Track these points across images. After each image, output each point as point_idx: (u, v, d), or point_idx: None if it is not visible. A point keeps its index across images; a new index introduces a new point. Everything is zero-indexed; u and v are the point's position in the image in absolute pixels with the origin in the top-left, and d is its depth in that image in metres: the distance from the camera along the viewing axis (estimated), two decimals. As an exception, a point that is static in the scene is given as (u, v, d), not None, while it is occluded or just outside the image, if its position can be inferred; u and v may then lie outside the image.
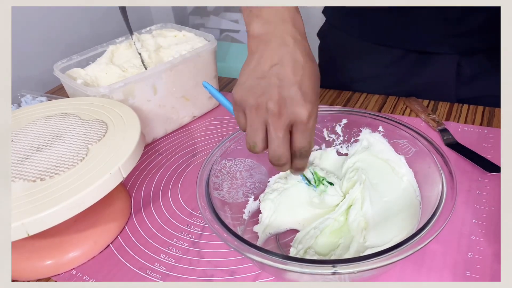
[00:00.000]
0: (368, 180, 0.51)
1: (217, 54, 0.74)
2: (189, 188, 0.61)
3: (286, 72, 0.39)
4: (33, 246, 0.50)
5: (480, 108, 0.69)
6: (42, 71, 1.10)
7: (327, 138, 0.57)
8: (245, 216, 0.51)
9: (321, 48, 0.87)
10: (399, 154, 0.52)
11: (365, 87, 0.78)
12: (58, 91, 0.93)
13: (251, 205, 0.52)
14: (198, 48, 0.70)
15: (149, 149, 0.70)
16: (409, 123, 0.51)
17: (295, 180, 0.53)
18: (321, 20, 0.84)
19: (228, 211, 0.48)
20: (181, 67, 0.68)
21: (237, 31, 1.86)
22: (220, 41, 1.84)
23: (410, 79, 0.74)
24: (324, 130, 0.57)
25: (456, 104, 0.71)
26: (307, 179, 0.51)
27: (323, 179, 0.51)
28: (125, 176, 0.48)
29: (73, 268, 0.50)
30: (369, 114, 0.54)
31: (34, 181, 0.46)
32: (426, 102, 0.72)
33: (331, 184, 0.51)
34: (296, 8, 0.44)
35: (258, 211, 0.52)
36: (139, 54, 0.74)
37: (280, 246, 0.49)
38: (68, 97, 0.70)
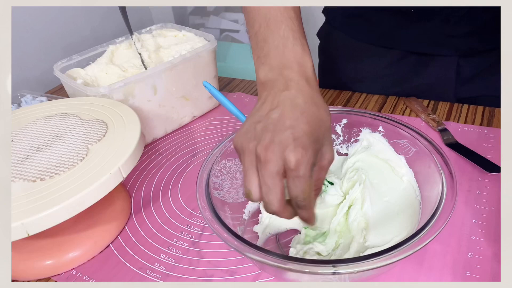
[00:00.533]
0: (368, 180, 0.51)
1: (217, 54, 0.74)
2: (189, 188, 0.60)
3: (282, 116, 0.38)
4: (33, 246, 0.50)
5: (480, 108, 0.69)
6: (42, 71, 1.10)
7: (327, 138, 0.57)
8: (245, 216, 0.51)
9: (321, 48, 0.86)
10: (399, 154, 0.52)
11: (364, 87, 0.78)
12: (58, 91, 0.93)
13: (251, 205, 0.52)
14: (198, 48, 0.70)
15: (149, 149, 0.70)
16: (409, 123, 0.51)
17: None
18: (321, 20, 0.84)
19: (228, 211, 0.48)
20: (181, 67, 0.68)
21: (237, 31, 1.86)
22: (220, 41, 1.84)
23: (409, 80, 0.74)
24: (324, 130, 0.57)
25: (456, 104, 0.71)
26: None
27: (323, 179, 0.51)
28: (125, 176, 0.48)
29: (73, 268, 0.50)
30: (369, 114, 0.54)
31: (34, 181, 0.46)
32: (426, 102, 0.72)
33: (331, 184, 0.51)
34: (305, 47, 0.44)
35: (258, 211, 0.52)
36: (139, 54, 0.74)
37: (280, 246, 0.49)
38: (68, 97, 0.70)
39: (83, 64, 0.73)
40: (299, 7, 0.48)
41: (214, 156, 0.50)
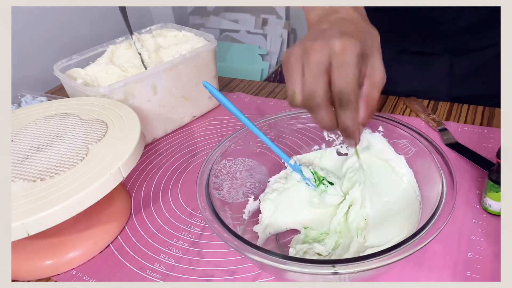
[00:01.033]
0: (368, 180, 0.51)
1: (217, 54, 0.74)
2: (189, 188, 0.60)
3: (331, 27, 0.38)
4: (33, 246, 0.50)
5: (480, 108, 0.69)
6: (42, 71, 1.10)
7: (327, 138, 0.57)
8: (245, 216, 0.51)
9: None
10: (399, 154, 0.52)
11: None
12: (58, 91, 0.93)
13: (251, 205, 0.52)
14: (198, 48, 0.70)
15: (149, 149, 0.70)
16: (409, 123, 0.51)
17: (295, 180, 0.53)
18: None
19: (228, 211, 0.48)
20: (181, 67, 0.68)
21: (237, 31, 1.86)
22: (220, 41, 1.84)
23: (403, 80, 0.74)
24: (324, 130, 0.57)
25: (456, 104, 0.71)
26: (307, 178, 0.51)
27: (323, 179, 0.51)
28: (125, 176, 0.48)
29: (73, 268, 0.50)
30: (369, 114, 0.54)
31: (34, 181, 0.46)
32: (426, 102, 0.72)
33: (331, 184, 0.51)
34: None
35: (258, 211, 0.52)
36: (139, 54, 0.74)
37: (280, 246, 0.49)
38: (68, 97, 0.70)
39: (83, 64, 0.73)
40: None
41: (214, 156, 0.50)
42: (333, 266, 0.35)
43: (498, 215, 0.49)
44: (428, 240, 0.36)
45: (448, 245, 0.46)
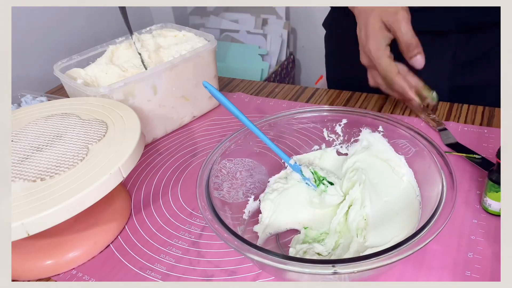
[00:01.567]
0: (368, 180, 0.51)
1: (217, 54, 0.74)
2: (189, 188, 0.61)
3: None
4: (33, 246, 0.50)
5: (480, 108, 0.69)
6: (42, 71, 1.10)
7: (327, 138, 0.57)
8: (245, 216, 0.51)
9: (326, 38, 0.88)
10: (399, 154, 0.52)
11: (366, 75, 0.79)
12: (58, 91, 0.93)
13: (251, 205, 0.52)
14: (198, 48, 0.70)
15: (149, 149, 0.70)
16: (409, 123, 0.51)
17: (295, 180, 0.53)
18: (326, 10, 0.86)
19: (228, 211, 0.48)
20: (181, 67, 0.68)
21: (237, 31, 1.87)
22: (220, 41, 1.84)
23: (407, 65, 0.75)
24: (324, 130, 0.57)
25: (456, 104, 0.71)
26: (307, 178, 0.51)
27: (323, 179, 0.51)
28: (125, 176, 0.48)
29: (73, 268, 0.50)
30: (369, 114, 0.54)
31: (34, 181, 0.46)
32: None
33: (331, 184, 0.51)
34: None
35: (258, 211, 0.52)
36: (139, 54, 0.74)
37: (280, 246, 0.49)
38: (68, 97, 0.70)
39: (83, 64, 0.73)
40: None
41: (214, 156, 0.50)
42: (333, 266, 0.35)
43: (498, 215, 0.49)
44: (428, 240, 0.36)
45: (448, 245, 0.46)
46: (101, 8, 1.32)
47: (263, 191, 0.54)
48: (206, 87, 0.49)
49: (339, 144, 0.57)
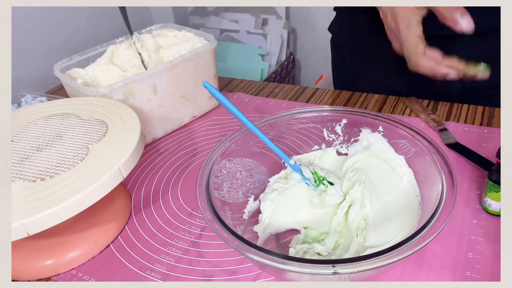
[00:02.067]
0: (368, 180, 0.51)
1: (217, 54, 0.74)
2: (189, 188, 0.61)
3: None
4: (33, 246, 0.50)
5: (480, 108, 0.69)
6: (42, 71, 1.10)
7: (327, 138, 0.57)
8: (245, 216, 0.51)
9: (333, 42, 0.89)
10: (399, 154, 0.52)
11: (372, 78, 0.79)
12: (58, 91, 0.93)
13: (251, 205, 0.52)
14: (198, 48, 0.70)
15: (149, 149, 0.70)
16: (409, 123, 0.51)
17: (295, 180, 0.53)
18: (326, 10, 0.87)
19: (228, 211, 0.48)
20: (181, 67, 0.68)
21: (237, 31, 1.87)
22: (220, 41, 1.84)
23: (416, 75, 0.75)
24: (324, 130, 0.57)
25: (456, 104, 0.71)
26: (307, 178, 0.51)
27: (323, 179, 0.51)
28: (125, 176, 0.48)
29: (73, 268, 0.50)
30: (369, 114, 0.54)
31: (34, 181, 0.46)
32: (426, 102, 0.72)
33: (331, 184, 0.51)
34: None
35: (258, 211, 0.52)
36: (139, 54, 0.74)
37: (280, 246, 0.49)
38: (68, 97, 0.70)
39: (83, 64, 0.73)
40: None
41: (214, 156, 0.50)
42: (333, 266, 0.35)
43: (498, 215, 0.49)
44: (428, 240, 0.36)
45: (448, 245, 0.46)
46: (101, 8, 1.32)
47: (263, 191, 0.54)
48: (206, 87, 0.49)
49: (339, 144, 0.57)
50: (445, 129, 0.64)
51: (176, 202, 0.58)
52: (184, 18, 1.91)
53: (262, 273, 0.47)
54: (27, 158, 0.50)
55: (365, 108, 0.74)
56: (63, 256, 0.50)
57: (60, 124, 0.57)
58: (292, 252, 0.46)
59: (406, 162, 0.51)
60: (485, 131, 0.63)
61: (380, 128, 0.53)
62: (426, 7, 0.55)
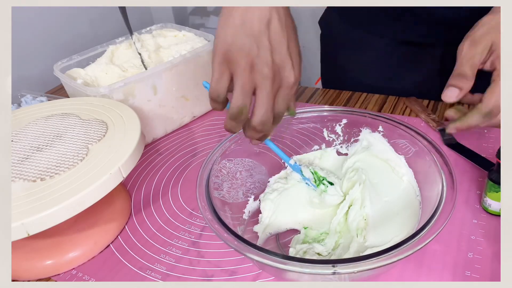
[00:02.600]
0: (368, 180, 0.51)
1: (217, 54, 0.74)
2: (189, 188, 0.61)
3: (276, 32, 0.39)
4: (33, 246, 0.50)
5: (480, 108, 0.69)
6: (42, 71, 1.10)
7: (327, 138, 0.57)
8: (245, 216, 0.51)
9: (322, 37, 0.89)
10: (399, 154, 0.52)
11: (357, 77, 0.79)
12: (58, 91, 0.93)
13: (251, 205, 0.52)
14: (198, 48, 0.70)
15: (149, 149, 0.70)
16: (409, 123, 0.51)
17: (295, 180, 0.53)
18: (323, 8, 0.87)
19: (228, 211, 0.48)
20: (181, 67, 0.68)
21: (237, 31, 1.86)
22: (220, 41, 1.83)
23: (397, 75, 0.75)
24: (324, 130, 0.57)
25: (456, 104, 0.71)
26: (307, 178, 0.51)
27: (323, 179, 0.51)
28: (125, 176, 0.48)
29: (73, 268, 0.50)
30: (369, 114, 0.54)
31: (34, 181, 0.46)
32: (426, 102, 0.72)
33: (331, 184, 0.51)
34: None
35: (258, 211, 0.52)
36: (139, 54, 0.74)
37: (280, 246, 0.49)
38: (68, 97, 0.70)
39: (83, 64, 0.73)
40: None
41: (214, 156, 0.50)
42: (333, 266, 0.35)
43: (498, 215, 0.49)
44: (428, 240, 0.36)
45: (448, 245, 0.46)
46: (101, 8, 1.32)
47: (263, 191, 0.54)
48: (206, 87, 0.49)
49: (339, 144, 0.57)
50: (445, 129, 0.64)
51: (176, 202, 0.58)
52: (184, 18, 1.91)
53: (262, 273, 0.47)
54: (27, 158, 0.50)
55: (365, 108, 0.74)
56: (63, 256, 0.50)
57: (60, 124, 0.57)
58: (292, 252, 0.46)
59: (406, 162, 0.51)
60: (485, 131, 0.63)
61: (380, 128, 0.53)
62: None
